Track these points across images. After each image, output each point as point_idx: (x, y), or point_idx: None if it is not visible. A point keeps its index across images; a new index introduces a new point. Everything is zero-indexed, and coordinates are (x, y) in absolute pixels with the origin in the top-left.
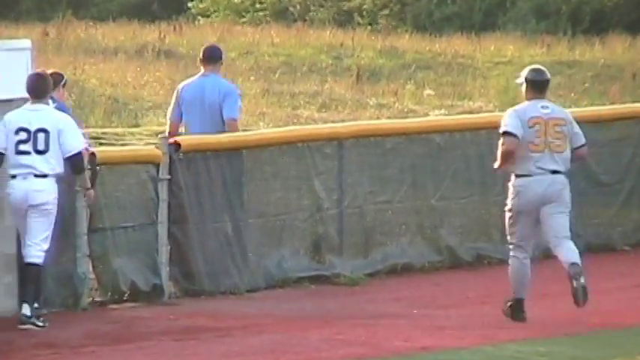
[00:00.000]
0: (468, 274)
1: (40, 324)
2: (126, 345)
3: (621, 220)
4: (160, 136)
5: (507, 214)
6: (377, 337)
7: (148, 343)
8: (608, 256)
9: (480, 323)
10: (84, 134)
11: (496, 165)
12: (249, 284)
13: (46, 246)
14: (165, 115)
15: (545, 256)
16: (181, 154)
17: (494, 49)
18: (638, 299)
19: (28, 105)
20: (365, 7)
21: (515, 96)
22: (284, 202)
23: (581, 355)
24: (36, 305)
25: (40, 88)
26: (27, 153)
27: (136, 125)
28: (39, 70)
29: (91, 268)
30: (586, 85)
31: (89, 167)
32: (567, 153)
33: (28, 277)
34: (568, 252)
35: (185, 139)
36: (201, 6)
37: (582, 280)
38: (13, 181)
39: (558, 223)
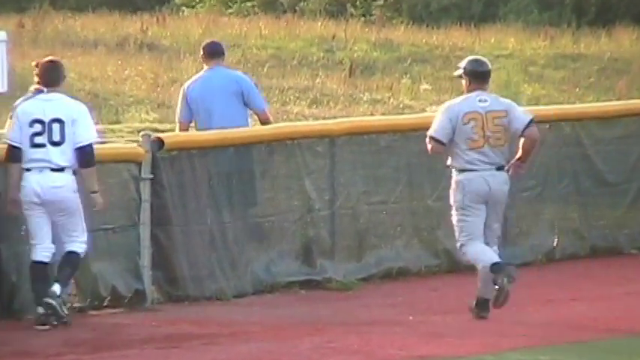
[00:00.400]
0: (466, 279)
1: (65, 312)
2: (106, 353)
3: (628, 221)
4: (142, 133)
5: (453, 213)
6: (370, 345)
7: (130, 351)
8: (614, 259)
9: (479, 330)
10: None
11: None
12: (236, 289)
13: (84, 237)
14: (147, 111)
15: (548, 260)
16: (165, 152)
17: (495, 41)
18: None
19: (42, 95)
20: None
21: (517, 91)
22: (273, 203)
23: None
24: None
25: (53, 75)
26: (42, 146)
27: (117, 122)
28: (52, 57)
29: None
30: (591, 79)
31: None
32: (507, 147)
33: (67, 261)
34: (491, 254)
35: (169, 136)
36: None
37: (506, 286)
38: (27, 174)
39: (493, 228)
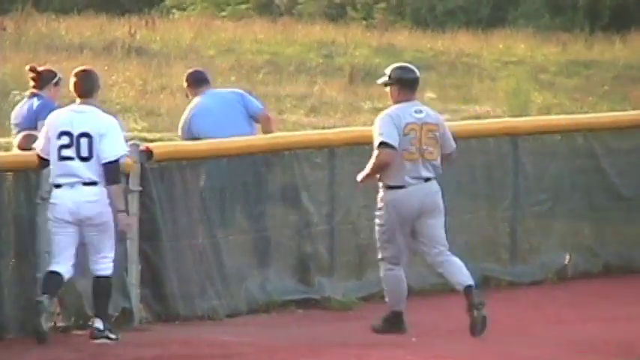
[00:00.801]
0: None
1: (113, 336)
2: None
3: None
4: (130, 143)
5: (379, 229)
6: None
7: None
8: (629, 278)
9: (485, 353)
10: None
11: (360, 177)
12: (229, 308)
13: (112, 255)
14: (135, 119)
15: (559, 279)
16: (154, 163)
17: (504, 47)
18: None
19: (74, 105)
20: None
21: (527, 99)
22: (268, 217)
23: None
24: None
25: (86, 85)
26: (70, 159)
27: None
28: (86, 67)
29: None
30: (605, 87)
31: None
32: (439, 160)
33: (99, 290)
34: (459, 272)
35: (158, 146)
36: None
37: (484, 311)
38: (57, 191)
39: (437, 233)
